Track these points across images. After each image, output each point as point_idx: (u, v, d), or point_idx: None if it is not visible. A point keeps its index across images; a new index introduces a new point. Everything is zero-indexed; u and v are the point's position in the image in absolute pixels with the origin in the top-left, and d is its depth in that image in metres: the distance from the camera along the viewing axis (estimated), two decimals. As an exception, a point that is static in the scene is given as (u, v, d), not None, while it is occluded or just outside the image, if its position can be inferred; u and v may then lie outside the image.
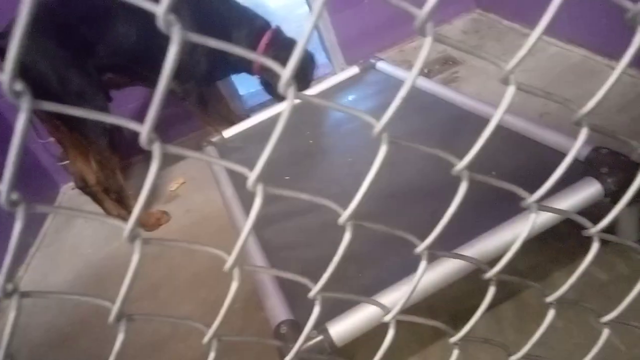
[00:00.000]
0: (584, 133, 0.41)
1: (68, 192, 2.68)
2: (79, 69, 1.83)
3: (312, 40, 2.49)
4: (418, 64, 0.35)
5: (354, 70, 2.21)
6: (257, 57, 0.36)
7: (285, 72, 0.37)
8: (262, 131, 2.02)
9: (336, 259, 0.43)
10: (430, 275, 1.01)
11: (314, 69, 2.27)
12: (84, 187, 2.03)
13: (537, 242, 1.19)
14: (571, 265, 1.17)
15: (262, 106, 2.69)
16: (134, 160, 2.75)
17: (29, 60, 1.72)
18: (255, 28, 2.13)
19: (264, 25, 2.16)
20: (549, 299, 0.50)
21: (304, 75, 2.19)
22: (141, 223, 2.01)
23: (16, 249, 0.44)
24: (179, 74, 2.02)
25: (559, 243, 1.22)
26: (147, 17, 0.36)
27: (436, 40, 0.37)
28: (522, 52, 0.35)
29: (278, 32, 2.17)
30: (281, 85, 0.37)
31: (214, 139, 2.03)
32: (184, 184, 2.32)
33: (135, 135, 0.39)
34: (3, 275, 0.45)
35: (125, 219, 2.20)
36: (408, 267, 0.87)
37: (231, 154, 1.91)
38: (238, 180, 1.71)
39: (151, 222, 2.07)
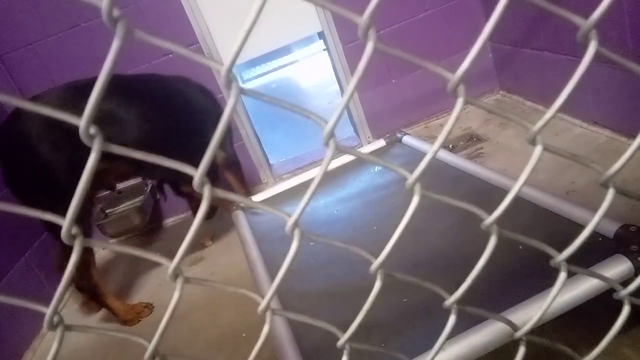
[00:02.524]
0: (610, 194, 0.43)
1: (98, 250, 2.74)
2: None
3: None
4: (451, 121, 0.38)
5: (380, 143, 2.28)
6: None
7: (327, 126, 0.42)
8: (288, 198, 2.07)
9: (366, 306, 0.44)
10: (457, 348, 0.98)
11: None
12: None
13: (569, 320, 1.16)
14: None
15: (291, 175, 2.76)
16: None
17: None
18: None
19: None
20: (581, 363, 0.50)
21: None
22: (119, 317, 1.93)
23: (68, 283, 0.47)
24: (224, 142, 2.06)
25: (590, 322, 1.18)
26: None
27: (467, 102, 0.41)
28: (548, 114, 0.39)
29: None
30: (324, 137, 0.41)
31: (242, 203, 2.08)
32: (211, 245, 2.37)
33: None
34: (51, 307, 0.48)
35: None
36: (432, 338, 0.86)
37: (258, 217, 1.95)
38: (263, 243, 1.74)
39: (130, 316, 1.93)
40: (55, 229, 1.77)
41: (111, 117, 1.76)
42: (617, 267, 1.07)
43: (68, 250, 1.92)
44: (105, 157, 1.55)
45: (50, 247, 2.38)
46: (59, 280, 0.47)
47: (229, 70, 0.39)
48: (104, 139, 0.41)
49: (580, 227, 1.28)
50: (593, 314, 1.18)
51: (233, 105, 0.39)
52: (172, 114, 1.95)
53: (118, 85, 1.84)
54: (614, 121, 1.96)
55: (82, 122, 0.41)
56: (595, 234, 1.26)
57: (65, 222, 0.43)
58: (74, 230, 0.44)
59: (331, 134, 0.41)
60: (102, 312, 2.04)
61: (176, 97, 2.00)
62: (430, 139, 2.61)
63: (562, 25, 2.04)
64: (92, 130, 0.41)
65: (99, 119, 0.38)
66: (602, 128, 2.02)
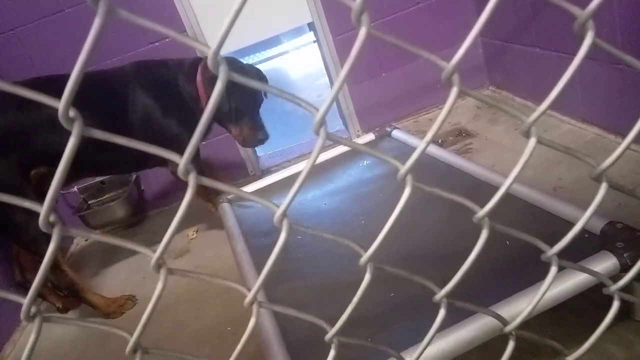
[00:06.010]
0: (603, 188, 0.42)
1: (81, 243, 2.71)
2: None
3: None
4: (445, 109, 0.37)
5: (369, 137, 2.27)
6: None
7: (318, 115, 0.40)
8: (275, 191, 2.06)
9: (355, 299, 0.43)
10: (444, 342, 0.98)
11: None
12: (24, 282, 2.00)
13: (554, 316, 1.17)
14: (586, 341, 1.14)
15: (278, 167, 2.75)
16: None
17: None
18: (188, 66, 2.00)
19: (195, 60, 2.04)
20: (569, 358, 0.49)
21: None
22: (100, 310, 1.89)
23: (45, 272, 0.45)
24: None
25: (576, 318, 1.19)
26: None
27: (461, 92, 0.40)
28: (544, 105, 0.38)
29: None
30: (315, 125, 0.40)
31: (229, 196, 2.06)
32: (195, 237, 2.35)
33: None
34: (28, 297, 0.46)
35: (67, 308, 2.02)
36: (419, 333, 0.86)
37: (245, 210, 1.93)
38: (250, 236, 1.72)
39: (112, 309, 1.91)
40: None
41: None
42: (603, 264, 1.08)
43: (21, 249, 1.92)
44: (46, 162, 1.56)
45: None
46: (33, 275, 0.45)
47: (217, 52, 0.37)
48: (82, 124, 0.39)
49: (567, 223, 1.30)
50: (577, 311, 1.18)
51: (221, 90, 0.38)
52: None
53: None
54: (602, 119, 1.97)
55: (60, 105, 0.39)
56: (581, 230, 1.26)
57: (43, 210, 0.42)
58: (52, 218, 0.42)
59: (322, 122, 0.39)
60: (83, 306, 2.01)
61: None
62: (420, 133, 2.61)
63: (553, 22, 2.05)
64: (72, 113, 0.39)
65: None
66: (590, 125, 2.03)
